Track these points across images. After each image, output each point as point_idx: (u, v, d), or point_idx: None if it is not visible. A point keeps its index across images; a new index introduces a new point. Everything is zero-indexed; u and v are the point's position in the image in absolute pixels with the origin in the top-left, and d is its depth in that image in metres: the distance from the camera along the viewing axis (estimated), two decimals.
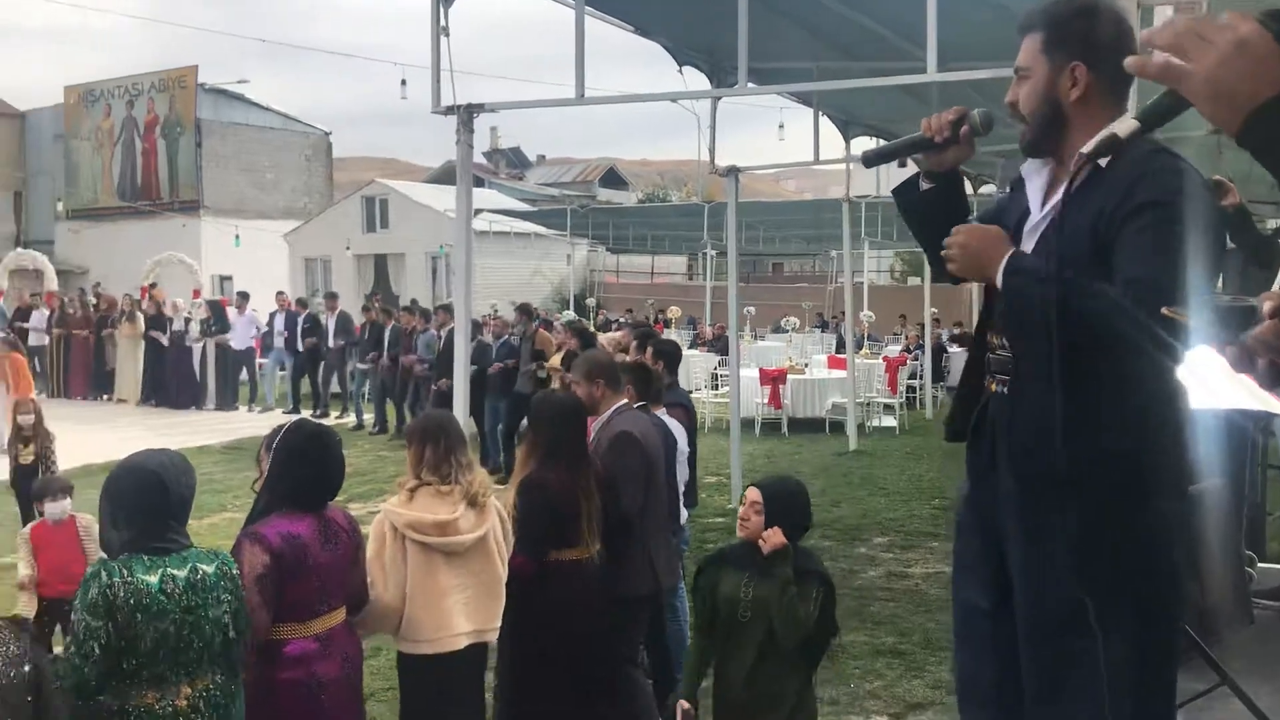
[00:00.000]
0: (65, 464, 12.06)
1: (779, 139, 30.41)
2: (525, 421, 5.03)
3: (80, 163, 37.51)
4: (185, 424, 16.23)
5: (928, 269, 14.13)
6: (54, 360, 19.63)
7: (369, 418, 16.13)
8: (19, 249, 29.50)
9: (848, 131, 12.39)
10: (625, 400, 4.97)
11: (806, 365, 17.38)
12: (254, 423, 16.32)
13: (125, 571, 3.01)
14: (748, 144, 44.17)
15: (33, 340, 19.45)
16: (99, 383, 19.24)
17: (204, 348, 18.10)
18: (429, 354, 14.32)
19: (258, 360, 18.76)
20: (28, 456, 8.70)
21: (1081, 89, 2.44)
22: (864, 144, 13.07)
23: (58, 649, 5.11)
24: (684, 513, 5.84)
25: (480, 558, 3.99)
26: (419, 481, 3.96)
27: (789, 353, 18.04)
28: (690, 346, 21.30)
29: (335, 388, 17.74)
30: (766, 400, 15.59)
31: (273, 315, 18.07)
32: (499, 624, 4.06)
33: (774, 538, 3.70)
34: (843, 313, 20.61)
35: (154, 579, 3.03)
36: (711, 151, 10.93)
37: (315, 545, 3.47)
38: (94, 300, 20.75)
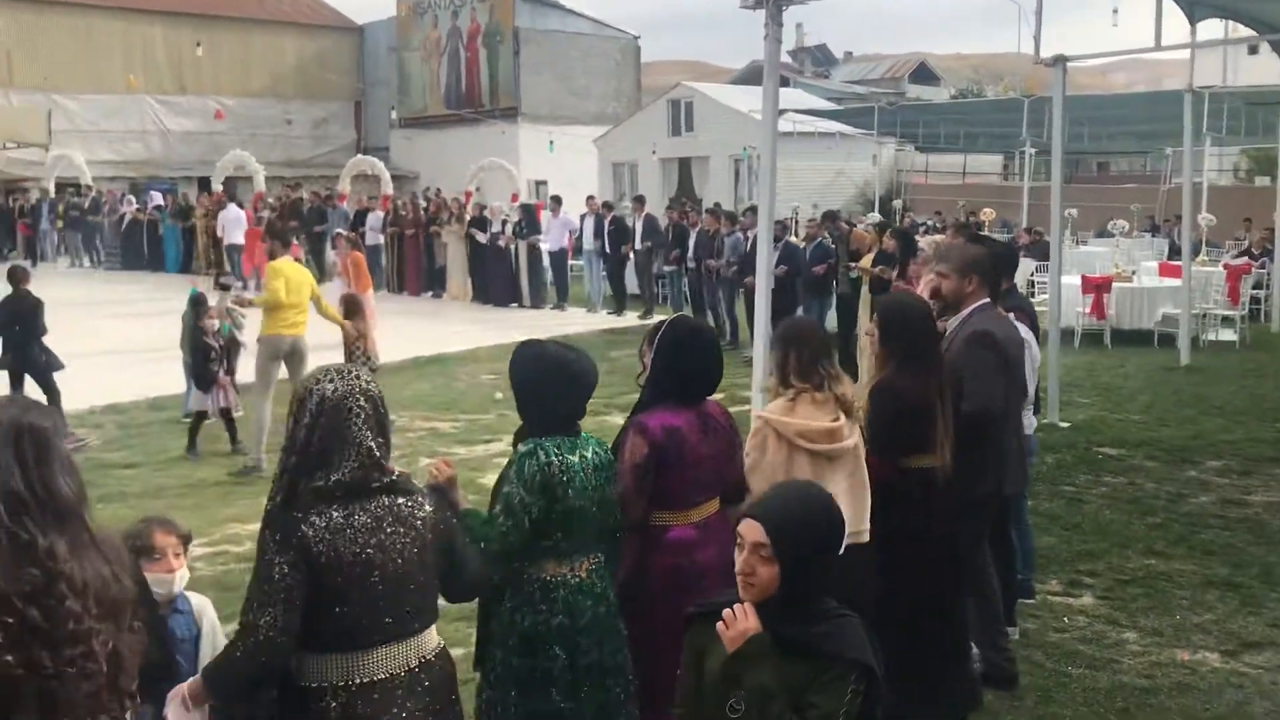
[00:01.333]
0: (396, 355, 13.16)
1: (1111, 25, 27.92)
2: (871, 320, 4.78)
3: (411, 73, 39.98)
4: (503, 320, 17.15)
5: None
6: (390, 258, 21.17)
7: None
8: (359, 155, 32.02)
9: (1194, 13, 11.21)
10: (987, 300, 4.74)
11: (1134, 272, 16.18)
12: (563, 321, 17.09)
13: (556, 451, 3.25)
14: (1074, 32, 40.93)
15: (369, 240, 21.09)
16: (431, 280, 20.58)
17: (516, 249, 18.98)
18: (734, 256, 14.38)
19: (569, 262, 19.55)
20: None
21: None
22: (1212, 28, 11.78)
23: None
24: (1031, 420, 5.64)
25: (852, 460, 3.96)
26: (796, 388, 3.93)
27: (1115, 258, 16.78)
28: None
29: (638, 290, 18.23)
30: (1088, 310, 14.63)
31: (583, 218, 18.70)
32: (867, 526, 4.00)
33: (739, 625, 2.50)
34: (1177, 216, 18.99)
35: (575, 458, 3.27)
36: (1036, 40, 10.16)
37: (695, 437, 3.55)
38: (424, 203, 22.16)
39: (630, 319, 17.27)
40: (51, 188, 27.30)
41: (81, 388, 10.30)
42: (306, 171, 37.22)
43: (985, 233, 16.52)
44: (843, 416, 3.90)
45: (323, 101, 41.38)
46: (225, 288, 10.74)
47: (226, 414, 9.25)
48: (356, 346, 10.17)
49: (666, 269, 16.54)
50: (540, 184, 33.56)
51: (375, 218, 21.45)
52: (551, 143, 33.39)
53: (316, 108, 41.33)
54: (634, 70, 40.63)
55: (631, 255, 17.82)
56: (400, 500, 2.69)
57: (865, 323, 9.92)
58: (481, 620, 3.43)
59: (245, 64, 39.58)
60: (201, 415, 9.20)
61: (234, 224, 21.51)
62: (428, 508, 2.76)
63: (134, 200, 26.19)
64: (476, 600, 3.36)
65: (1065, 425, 9.86)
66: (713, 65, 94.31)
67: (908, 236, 10.45)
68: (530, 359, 3.39)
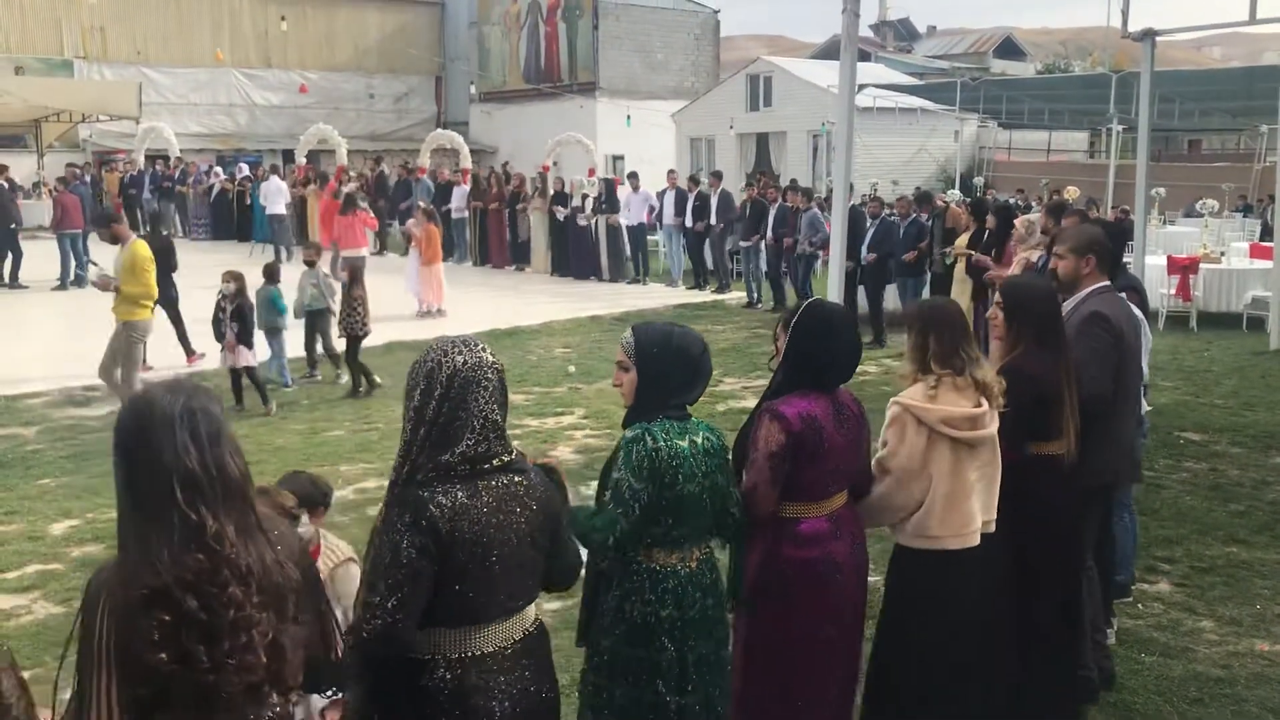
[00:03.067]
0: (472, 327, 13.33)
1: None
2: (975, 300, 4.68)
3: (491, 48, 40.18)
4: (581, 294, 17.28)
5: None
6: (473, 232, 21.36)
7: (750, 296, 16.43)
8: (439, 129, 32.31)
9: None
10: (1106, 282, 4.62)
11: (1223, 254, 15.71)
12: (642, 295, 17.13)
13: (665, 435, 3.14)
14: (1165, 6, 39.74)
15: (455, 215, 21.29)
16: (515, 253, 20.73)
17: (596, 224, 19.04)
18: (813, 232, 14.29)
19: (648, 237, 19.56)
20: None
21: None
22: None
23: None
24: (1144, 405, 5.47)
25: (990, 450, 3.78)
26: (938, 373, 3.72)
27: (1203, 239, 16.32)
28: None
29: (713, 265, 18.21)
30: (1174, 291, 14.27)
31: (663, 193, 18.67)
32: (994, 516, 3.83)
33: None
34: (1271, 196, 18.39)
35: (684, 443, 3.17)
36: (1125, 14, 9.93)
37: (830, 426, 3.45)
38: (505, 177, 22.30)
39: (708, 294, 17.28)
40: (141, 159, 27.98)
41: (165, 354, 10.59)
42: (388, 145, 37.72)
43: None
44: (985, 403, 3.71)
45: (404, 76, 41.82)
46: (310, 263, 10.98)
47: (234, 373, 9.65)
48: (357, 312, 10.37)
49: (743, 244, 16.46)
50: (617, 159, 33.57)
51: (460, 192, 21.60)
52: (629, 117, 33.36)
53: (398, 82, 41.79)
54: (713, 44, 40.37)
55: (706, 230, 17.78)
56: (517, 479, 2.67)
57: (964, 303, 9.70)
58: (589, 604, 3.34)
59: (329, 38, 40.14)
60: (235, 372, 9.65)
61: (276, 194, 22.09)
62: (542, 487, 2.74)
63: (221, 171, 26.75)
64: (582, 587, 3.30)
65: (1147, 409, 9.61)
66: (793, 39, 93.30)
67: (1008, 212, 10.18)
68: (656, 340, 3.27)
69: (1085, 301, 4.54)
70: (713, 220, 17.52)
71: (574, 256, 19.31)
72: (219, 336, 9.59)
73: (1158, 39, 10.07)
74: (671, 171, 20.18)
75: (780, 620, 3.47)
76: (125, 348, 8.76)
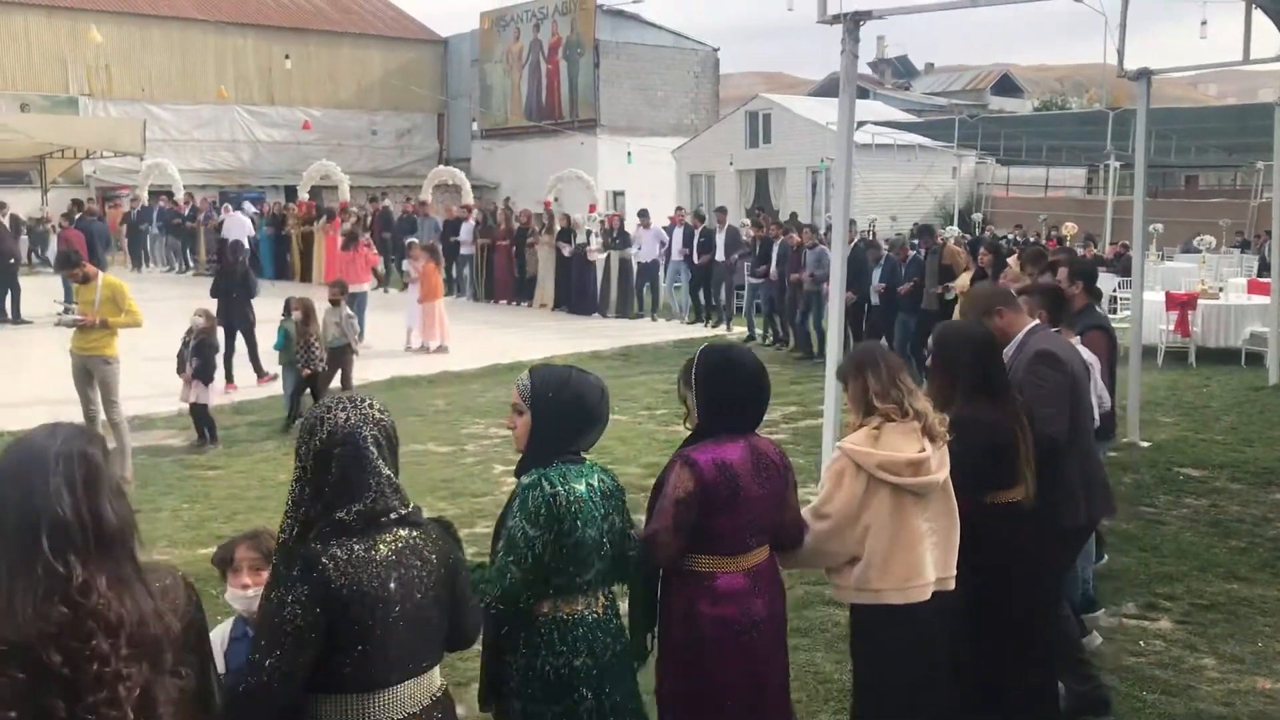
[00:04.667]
0: (474, 362, 13.38)
1: (1200, 37, 27.30)
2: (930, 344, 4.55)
3: (493, 85, 40.52)
4: (586, 330, 17.33)
5: None
6: (479, 268, 21.41)
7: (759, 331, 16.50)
8: (441, 165, 32.53)
9: None
10: (1037, 321, 4.62)
11: (1221, 289, 15.81)
12: (648, 331, 17.19)
13: (562, 480, 3.05)
14: (1161, 44, 40.13)
15: (463, 250, 21.34)
16: (519, 290, 20.73)
17: (608, 260, 19.09)
18: (818, 269, 14.38)
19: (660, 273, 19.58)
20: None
21: None
22: None
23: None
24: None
25: (943, 499, 3.66)
26: (879, 417, 3.62)
27: (1201, 275, 16.39)
28: None
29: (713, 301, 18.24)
30: (1172, 326, 14.33)
31: (670, 229, 18.73)
32: (955, 572, 3.71)
33: None
34: (1267, 231, 18.49)
35: (582, 487, 3.07)
36: (1120, 53, 10.00)
37: (747, 476, 3.32)
38: (509, 212, 22.36)
39: (709, 329, 17.33)
40: (145, 195, 28.14)
41: (173, 390, 10.63)
42: (390, 181, 37.95)
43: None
44: (929, 445, 3.58)
45: (407, 112, 42.13)
46: (334, 302, 11.11)
47: (193, 409, 9.69)
48: (313, 349, 10.42)
49: (754, 281, 16.46)
50: (618, 195, 33.78)
51: (468, 228, 21.61)
52: (630, 154, 33.59)
53: (401, 119, 42.10)
54: (712, 82, 40.71)
55: (711, 265, 17.82)
56: (415, 534, 2.58)
57: None
58: (492, 669, 3.18)
59: (333, 76, 40.49)
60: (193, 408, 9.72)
61: (239, 228, 22.72)
62: (440, 541, 2.64)
63: (230, 208, 26.88)
64: (481, 646, 3.16)
65: (1146, 445, 9.68)
66: (792, 76, 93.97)
67: (999, 250, 10.28)
68: (552, 384, 3.18)
69: (1026, 343, 4.50)
70: (720, 255, 17.53)
71: (577, 293, 19.33)
72: (179, 370, 9.66)
73: (1153, 77, 10.16)
74: (679, 209, 20.30)
75: (698, 681, 3.34)
76: (114, 381, 8.77)
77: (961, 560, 3.76)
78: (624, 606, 3.44)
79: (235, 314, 12.11)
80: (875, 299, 13.69)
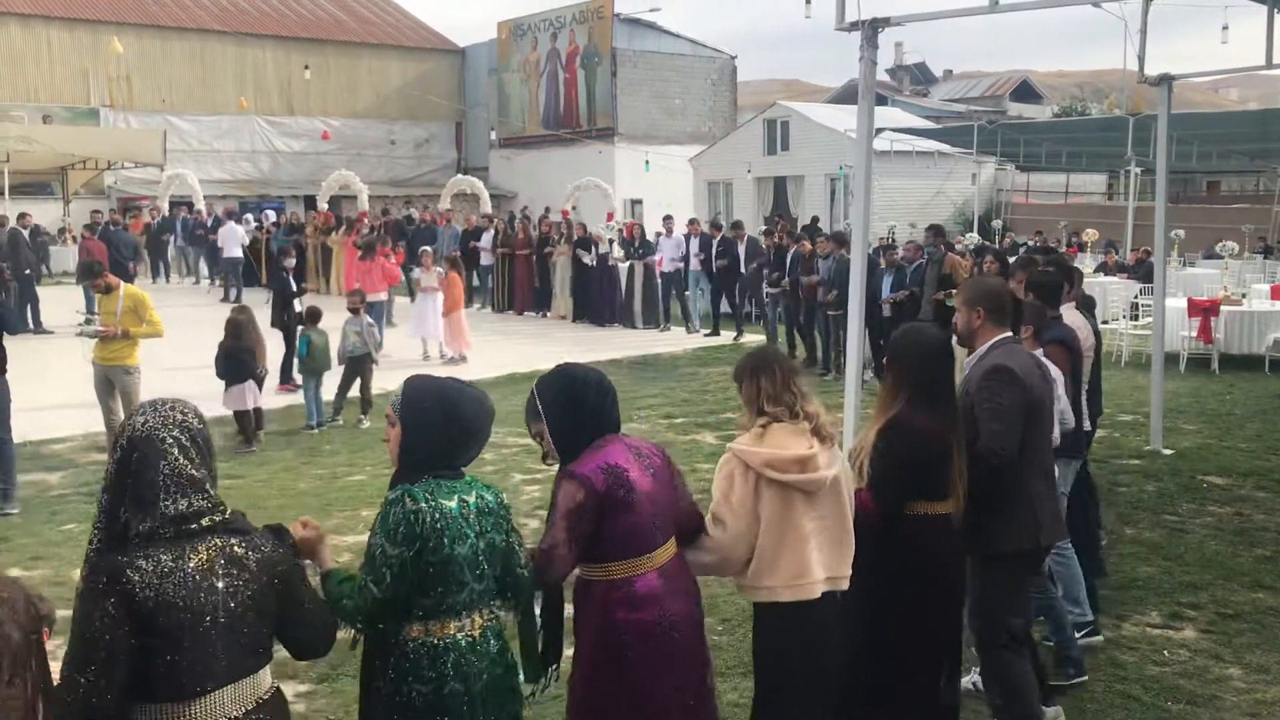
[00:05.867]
0: (491, 372, 13.40)
1: (1221, 42, 27.18)
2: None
3: (510, 94, 40.67)
4: (605, 339, 17.29)
5: None
6: (499, 278, 21.37)
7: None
8: (459, 174, 32.65)
9: None
10: (1008, 334, 4.40)
11: (1244, 295, 15.69)
12: (665, 340, 17.17)
13: (428, 496, 2.91)
14: (1182, 49, 39.97)
15: (484, 260, 21.35)
16: (539, 300, 20.63)
17: (630, 268, 19.04)
18: (829, 279, 14.29)
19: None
20: None
21: None
22: None
23: None
24: (1057, 468, 4.95)
25: (833, 499, 3.62)
26: (769, 417, 3.61)
27: (1224, 281, 16.28)
28: (1096, 271, 19.78)
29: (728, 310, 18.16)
30: (1195, 333, 14.22)
31: (688, 238, 18.67)
32: (849, 573, 3.68)
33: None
34: None
35: (452, 503, 2.94)
36: (1140, 59, 9.95)
37: (635, 470, 3.28)
38: (521, 221, 22.38)
39: (727, 338, 17.28)
40: (165, 206, 28.34)
41: (196, 398, 10.68)
42: (409, 191, 38.16)
43: (1080, 256, 15.93)
44: (817, 444, 3.56)
45: (425, 122, 42.33)
46: (354, 310, 11.18)
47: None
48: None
49: (772, 290, 16.27)
50: (635, 203, 33.81)
51: (488, 238, 21.50)
52: (647, 162, 33.64)
53: (419, 128, 42.30)
54: (730, 89, 40.73)
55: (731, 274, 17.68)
56: (234, 540, 2.54)
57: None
58: (361, 698, 3.06)
59: (351, 86, 40.74)
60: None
61: (232, 238, 23.27)
62: (265, 548, 2.59)
63: (252, 219, 27.00)
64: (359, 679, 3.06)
65: (1169, 452, 9.60)
66: (810, 84, 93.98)
67: (1005, 257, 10.03)
68: (426, 396, 3.05)
69: (986, 355, 4.33)
70: (742, 269, 17.36)
71: (601, 303, 19.18)
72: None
73: (1174, 83, 10.10)
74: (692, 220, 20.22)
75: (624, 694, 3.24)
76: (135, 391, 8.82)
77: (876, 565, 3.78)
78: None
79: (275, 319, 12.63)
80: (887, 310, 13.13)
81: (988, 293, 4.48)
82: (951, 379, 4.05)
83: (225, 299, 21.57)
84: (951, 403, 4.00)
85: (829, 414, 3.69)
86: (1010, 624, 4.27)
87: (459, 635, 2.95)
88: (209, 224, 27.10)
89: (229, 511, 2.56)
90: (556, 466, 3.37)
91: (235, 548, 2.53)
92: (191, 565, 2.45)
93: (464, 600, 2.95)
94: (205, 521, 2.50)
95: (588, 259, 19.25)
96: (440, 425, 3.00)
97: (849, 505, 3.68)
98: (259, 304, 14.81)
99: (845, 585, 3.65)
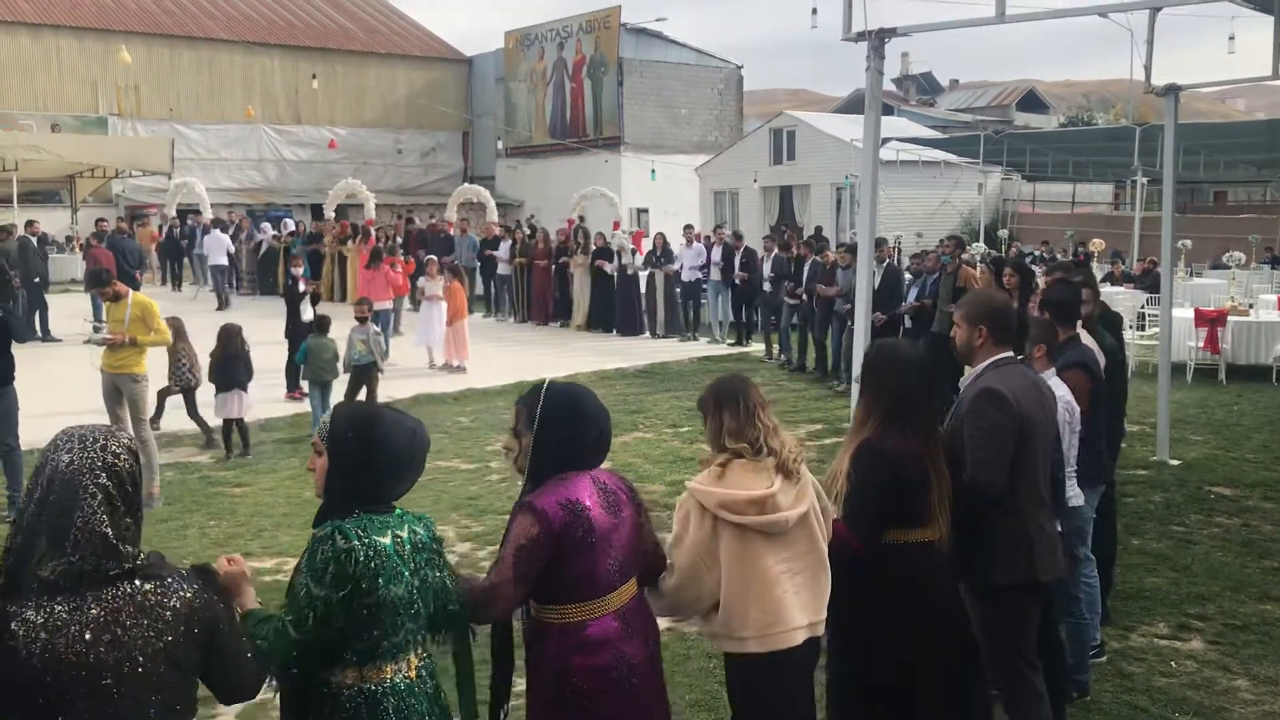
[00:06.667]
0: (499, 380, 13.41)
1: (1228, 52, 27.16)
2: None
3: (517, 103, 40.74)
4: (620, 348, 17.26)
5: None
6: (517, 287, 21.30)
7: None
8: (466, 183, 32.72)
9: None
10: (1008, 353, 4.11)
11: (1251, 306, 15.66)
12: (681, 350, 17.14)
13: (360, 533, 2.72)
14: (1189, 59, 39.90)
15: (501, 270, 21.31)
16: (558, 309, 20.53)
17: (650, 278, 18.95)
18: (846, 288, 14.24)
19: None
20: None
21: None
22: None
23: None
24: (1077, 494, 4.89)
25: (805, 537, 3.41)
26: (729, 454, 3.41)
27: (1231, 291, 16.25)
28: (1103, 281, 19.74)
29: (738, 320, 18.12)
30: (1202, 344, 14.19)
31: (710, 247, 18.63)
32: (823, 618, 3.47)
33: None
34: None
35: (386, 540, 2.76)
36: (1147, 69, 9.94)
37: (597, 508, 3.10)
38: (527, 230, 22.34)
39: (750, 348, 17.22)
40: (172, 213, 28.41)
41: (202, 409, 10.71)
42: (415, 199, 38.25)
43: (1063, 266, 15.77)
44: (779, 481, 3.35)
45: (432, 131, 42.42)
46: (361, 319, 11.21)
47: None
48: (182, 364, 10.46)
49: (790, 301, 16.13)
50: (641, 212, 33.84)
51: (506, 247, 21.39)
52: (653, 171, 33.66)
53: (426, 137, 42.39)
54: (736, 99, 40.78)
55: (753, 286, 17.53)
56: (146, 587, 2.31)
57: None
58: None
59: (358, 95, 40.86)
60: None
61: (217, 247, 23.69)
62: (185, 593, 2.36)
63: (270, 227, 27.01)
64: None
65: (1175, 463, 9.58)
66: (816, 93, 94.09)
67: (1025, 270, 9.68)
68: (354, 424, 2.87)
69: (981, 376, 4.05)
70: (766, 285, 17.18)
71: (622, 312, 19.05)
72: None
73: (1181, 93, 10.10)
74: (718, 227, 20.17)
75: None
76: (142, 399, 8.84)
77: (851, 601, 3.59)
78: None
79: (287, 327, 12.85)
80: (908, 322, 12.98)
81: (992, 310, 4.20)
82: (930, 398, 3.82)
83: (220, 308, 21.70)
84: (929, 423, 3.77)
85: (799, 446, 3.49)
86: (1020, 659, 4.03)
87: (396, 678, 2.79)
88: (230, 232, 27.18)
89: (141, 557, 2.33)
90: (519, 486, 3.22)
91: (148, 596, 2.31)
92: (89, 616, 2.23)
93: (400, 642, 2.79)
94: (112, 571, 2.28)
95: (609, 268, 19.20)
96: (370, 457, 2.81)
97: (822, 540, 3.47)
98: (273, 313, 14.88)
99: (819, 632, 3.47)
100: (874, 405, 3.77)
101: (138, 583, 2.31)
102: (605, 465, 3.30)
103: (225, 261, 23.61)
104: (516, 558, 3.00)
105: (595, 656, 3.07)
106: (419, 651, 2.87)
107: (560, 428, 3.15)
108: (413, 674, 2.83)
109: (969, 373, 4.17)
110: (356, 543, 2.69)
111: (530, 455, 3.16)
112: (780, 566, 3.36)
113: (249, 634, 2.64)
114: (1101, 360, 5.44)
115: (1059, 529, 4.22)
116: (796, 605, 3.37)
